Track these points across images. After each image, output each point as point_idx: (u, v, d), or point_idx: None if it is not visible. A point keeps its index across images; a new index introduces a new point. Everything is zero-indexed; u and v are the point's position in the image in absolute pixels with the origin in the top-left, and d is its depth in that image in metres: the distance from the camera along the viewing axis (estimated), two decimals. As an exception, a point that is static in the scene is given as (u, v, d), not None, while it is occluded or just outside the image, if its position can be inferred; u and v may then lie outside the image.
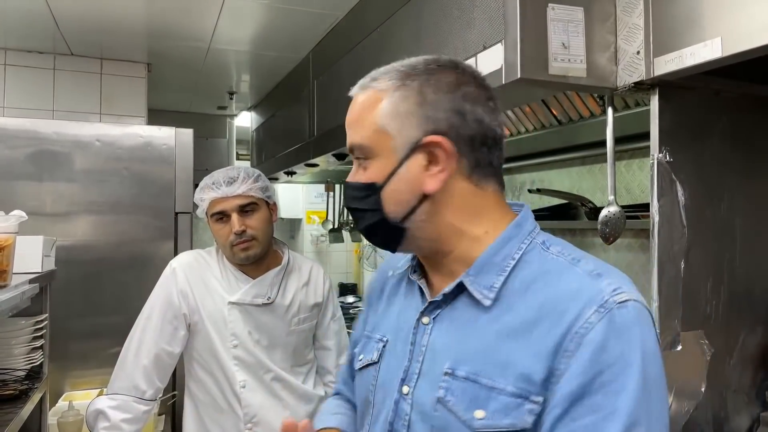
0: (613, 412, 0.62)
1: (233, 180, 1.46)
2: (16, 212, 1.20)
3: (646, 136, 1.95)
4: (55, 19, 2.32)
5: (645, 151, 2.20)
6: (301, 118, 2.86)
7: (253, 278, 1.52)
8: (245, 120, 4.31)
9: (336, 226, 4.34)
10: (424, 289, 0.83)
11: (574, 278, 0.71)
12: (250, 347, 1.47)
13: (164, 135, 2.26)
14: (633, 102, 1.81)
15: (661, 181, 1.29)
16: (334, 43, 2.45)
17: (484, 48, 1.35)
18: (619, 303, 0.67)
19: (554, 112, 2.10)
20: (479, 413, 0.69)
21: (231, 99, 3.63)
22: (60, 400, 2.01)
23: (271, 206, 1.54)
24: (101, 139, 2.19)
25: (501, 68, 1.28)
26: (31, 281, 1.35)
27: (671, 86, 1.28)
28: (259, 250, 1.48)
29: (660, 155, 1.29)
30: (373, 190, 0.77)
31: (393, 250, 0.83)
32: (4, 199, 1.96)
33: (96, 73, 2.83)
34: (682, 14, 1.20)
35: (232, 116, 4.33)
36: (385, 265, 0.99)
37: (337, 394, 1.09)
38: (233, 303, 1.49)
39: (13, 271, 1.25)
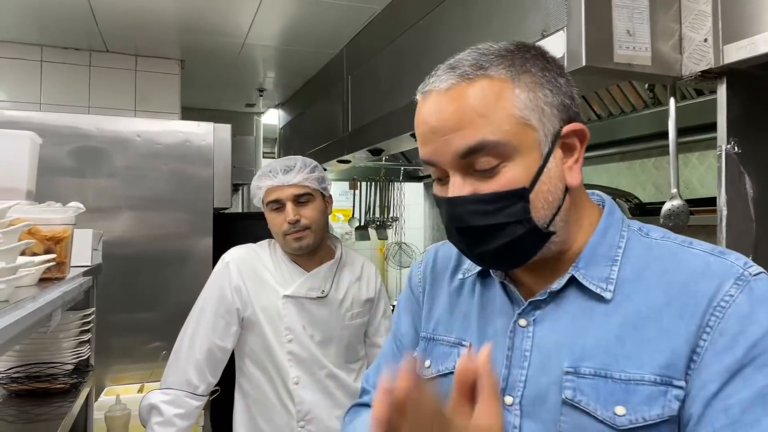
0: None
1: (290, 169, 1.46)
2: (74, 204, 1.19)
3: (690, 130, 1.90)
4: (94, 15, 2.33)
5: (690, 146, 2.15)
6: (334, 115, 2.84)
7: (307, 271, 1.50)
8: (271, 118, 4.30)
9: (363, 223, 4.32)
10: (514, 290, 0.76)
11: (696, 259, 0.68)
12: (305, 342, 1.45)
13: (203, 131, 2.25)
14: (680, 95, 1.76)
15: (729, 173, 1.25)
16: (370, 37, 2.43)
17: (543, 36, 1.32)
18: (755, 275, 0.65)
19: (593, 107, 2.06)
20: (620, 409, 0.64)
21: (260, 96, 3.63)
22: (102, 395, 2.01)
23: (327, 198, 1.52)
24: (141, 135, 2.19)
25: (563, 56, 1.25)
26: (84, 274, 1.34)
27: (739, 75, 1.24)
28: (312, 241, 1.47)
29: (728, 146, 1.25)
30: (520, 196, 0.67)
31: (518, 266, 0.73)
32: (47, 194, 1.96)
33: (131, 69, 2.84)
34: (754, 0, 1.16)
35: (259, 114, 4.33)
36: (426, 261, 0.92)
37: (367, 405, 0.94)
38: (288, 296, 1.47)
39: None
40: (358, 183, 4.27)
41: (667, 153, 2.24)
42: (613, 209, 0.77)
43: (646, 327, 0.66)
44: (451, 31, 1.75)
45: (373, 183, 4.21)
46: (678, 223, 1.38)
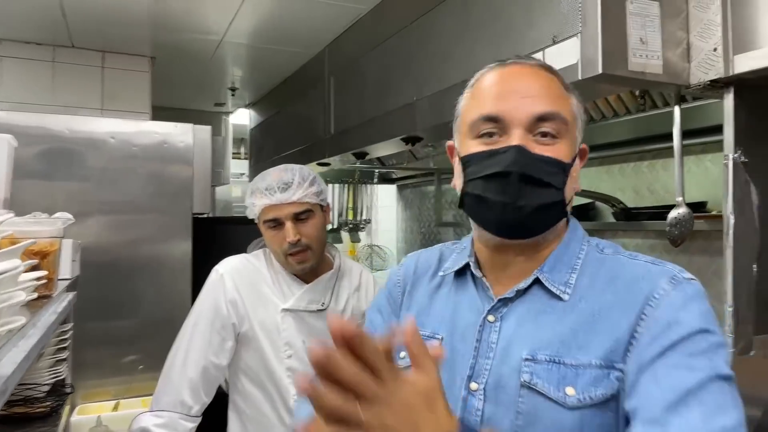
0: (703, 351, 0.69)
1: (288, 186, 1.37)
2: (62, 214, 1.09)
3: (665, 137, 1.92)
4: (63, 8, 2.19)
5: (669, 152, 2.19)
6: (313, 116, 2.77)
7: (306, 283, 1.43)
8: (239, 117, 4.18)
9: (335, 226, 4.25)
10: (489, 288, 0.84)
11: (639, 267, 0.78)
12: (305, 357, 1.37)
13: (181, 132, 2.15)
14: (661, 102, 1.78)
15: (736, 181, 1.26)
16: (355, 38, 2.37)
17: (554, 42, 1.30)
18: (687, 279, 0.75)
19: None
20: (570, 390, 0.72)
21: (233, 95, 3.52)
22: (75, 413, 1.88)
23: (325, 208, 1.45)
24: (115, 136, 2.07)
25: (577, 63, 1.23)
26: (68, 288, 1.24)
27: (746, 85, 1.24)
28: (314, 261, 1.39)
29: (735, 155, 1.26)
30: (564, 169, 0.79)
31: (531, 235, 0.81)
32: (14, 198, 1.82)
33: (97, 66, 2.69)
34: (766, 11, 1.16)
35: (228, 113, 4.20)
36: (408, 265, 1.00)
37: None
38: (287, 310, 1.39)
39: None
40: (329, 185, 4.20)
41: (648, 158, 2.28)
42: (576, 226, 0.87)
43: (597, 322, 0.76)
44: (447, 34, 1.72)
45: (346, 185, 4.14)
46: (683, 231, 1.38)
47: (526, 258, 0.83)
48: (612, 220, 2.35)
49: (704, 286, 0.76)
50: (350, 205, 4.39)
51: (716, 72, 1.24)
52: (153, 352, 2.07)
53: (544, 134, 0.78)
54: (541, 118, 0.77)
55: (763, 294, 1.29)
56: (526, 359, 0.76)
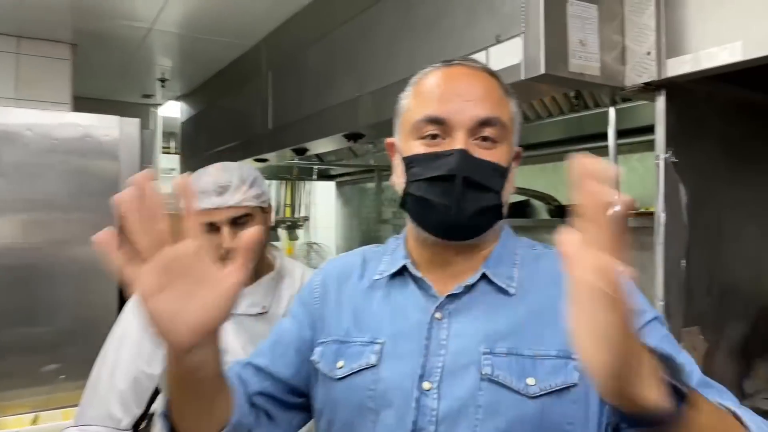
0: (666, 335, 0.76)
1: (225, 189, 1.26)
2: (-29, 215, 0.99)
3: (596, 137, 2.00)
4: (-30, -13, 2.01)
5: (599, 151, 2.27)
6: (251, 110, 2.68)
7: (245, 286, 1.36)
8: (170, 110, 4.00)
9: (273, 223, 4.16)
10: (431, 286, 0.84)
11: None
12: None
13: (107, 125, 2.01)
14: (593, 103, 1.84)
15: (667, 181, 1.31)
16: (295, 31, 2.31)
17: (498, 41, 1.30)
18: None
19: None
20: (531, 380, 0.75)
21: (163, 86, 3.35)
22: (-12, 430, 1.74)
23: (267, 209, 1.38)
24: (32, 128, 1.91)
25: (520, 63, 1.24)
26: (-22, 296, 1.13)
27: (677, 88, 1.30)
28: (252, 266, 1.32)
29: (666, 156, 1.31)
30: (503, 173, 0.81)
31: (469, 237, 0.83)
32: None
33: (11, 52, 2.49)
34: (697, 17, 1.21)
35: (156, 105, 4.01)
36: (328, 271, 0.97)
37: None
38: None
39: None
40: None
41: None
42: (508, 227, 0.91)
43: (546, 313, 0.79)
44: (390, 30, 1.69)
45: (283, 182, 4.05)
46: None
47: (465, 257, 0.85)
48: (547, 216, 2.42)
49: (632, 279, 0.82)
50: (288, 202, 4.30)
51: (649, 75, 1.28)
52: (75, 360, 1.94)
53: (485, 138, 0.80)
54: (484, 123, 0.80)
55: (691, 288, 1.36)
56: (485, 353, 0.77)
